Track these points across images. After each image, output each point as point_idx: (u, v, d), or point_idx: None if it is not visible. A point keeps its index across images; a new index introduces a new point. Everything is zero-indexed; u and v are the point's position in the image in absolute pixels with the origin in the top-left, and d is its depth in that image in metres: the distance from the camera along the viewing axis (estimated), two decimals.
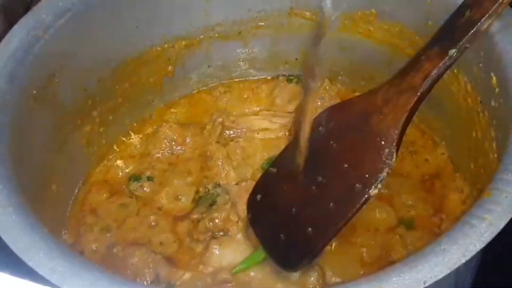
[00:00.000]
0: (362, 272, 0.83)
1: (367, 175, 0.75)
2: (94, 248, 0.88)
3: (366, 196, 0.75)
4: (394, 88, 0.79)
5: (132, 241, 0.88)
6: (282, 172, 0.86)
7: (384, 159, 0.75)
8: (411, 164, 0.94)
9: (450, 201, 0.88)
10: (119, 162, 0.99)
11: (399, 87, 0.78)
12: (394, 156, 0.75)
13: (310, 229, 0.78)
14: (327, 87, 1.03)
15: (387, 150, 0.75)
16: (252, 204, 0.88)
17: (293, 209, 0.82)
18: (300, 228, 0.79)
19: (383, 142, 0.76)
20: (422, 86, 0.76)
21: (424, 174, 0.93)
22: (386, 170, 0.74)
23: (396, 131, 0.76)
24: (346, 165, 0.78)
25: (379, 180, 0.74)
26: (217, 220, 0.88)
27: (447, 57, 0.76)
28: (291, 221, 0.81)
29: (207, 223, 0.88)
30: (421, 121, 0.97)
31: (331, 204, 0.77)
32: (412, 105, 0.76)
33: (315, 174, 0.81)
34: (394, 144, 0.75)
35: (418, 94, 0.76)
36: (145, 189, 0.95)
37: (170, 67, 1.03)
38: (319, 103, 0.99)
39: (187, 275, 0.85)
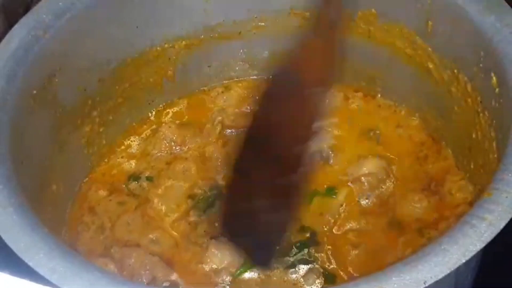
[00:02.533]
0: (362, 271, 0.83)
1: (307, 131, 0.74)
2: (92, 248, 0.88)
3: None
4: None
5: (129, 242, 0.88)
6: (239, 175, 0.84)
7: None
8: (412, 164, 0.94)
9: (450, 201, 0.88)
10: (119, 162, 0.99)
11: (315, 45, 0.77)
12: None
13: (270, 219, 0.76)
14: (334, 93, 1.03)
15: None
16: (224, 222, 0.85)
17: (256, 206, 0.79)
18: (263, 221, 0.78)
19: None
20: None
21: (425, 174, 0.93)
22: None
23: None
24: (289, 138, 0.76)
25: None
26: (216, 223, 0.88)
27: None
28: (256, 218, 0.80)
29: (205, 227, 0.88)
30: (423, 121, 0.97)
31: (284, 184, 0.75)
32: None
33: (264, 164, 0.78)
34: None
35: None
36: (144, 189, 0.94)
37: (170, 67, 1.03)
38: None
39: (185, 277, 0.85)
